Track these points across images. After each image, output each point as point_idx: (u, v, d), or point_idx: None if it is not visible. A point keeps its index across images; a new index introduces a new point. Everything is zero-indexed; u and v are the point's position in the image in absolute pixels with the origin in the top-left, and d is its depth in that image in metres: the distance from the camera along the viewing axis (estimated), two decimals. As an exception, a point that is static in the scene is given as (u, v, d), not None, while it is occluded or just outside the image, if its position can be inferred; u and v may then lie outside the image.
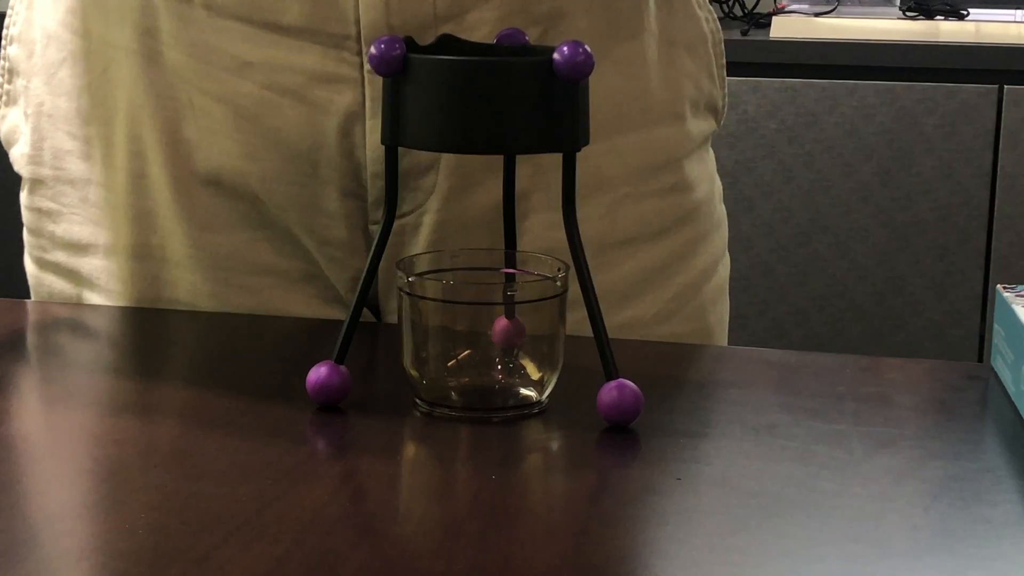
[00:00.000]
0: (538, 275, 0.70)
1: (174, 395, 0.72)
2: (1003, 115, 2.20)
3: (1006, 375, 0.73)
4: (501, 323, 0.68)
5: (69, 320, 0.84)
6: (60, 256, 0.88)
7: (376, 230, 0.83)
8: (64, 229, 0.87)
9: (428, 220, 0.83)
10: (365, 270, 0.68)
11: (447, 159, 0.82)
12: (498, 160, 0.73)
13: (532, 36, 0.81)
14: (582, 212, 0.83)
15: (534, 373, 0.69)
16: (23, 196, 0.89)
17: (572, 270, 0.67)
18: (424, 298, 0.67)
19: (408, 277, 0.68)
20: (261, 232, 0.83)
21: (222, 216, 0.83)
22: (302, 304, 0.85)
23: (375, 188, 0.82)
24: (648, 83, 0.86)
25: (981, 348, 2.25)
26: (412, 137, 0.66)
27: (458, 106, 0.65)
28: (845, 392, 0.72)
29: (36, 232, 0.89)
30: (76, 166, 0.85)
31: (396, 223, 0.83)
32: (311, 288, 0.85)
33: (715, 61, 0.92)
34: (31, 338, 0.82)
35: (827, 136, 2.24)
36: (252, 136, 0.81)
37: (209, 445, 0.64)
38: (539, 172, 0.83)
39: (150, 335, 0.83)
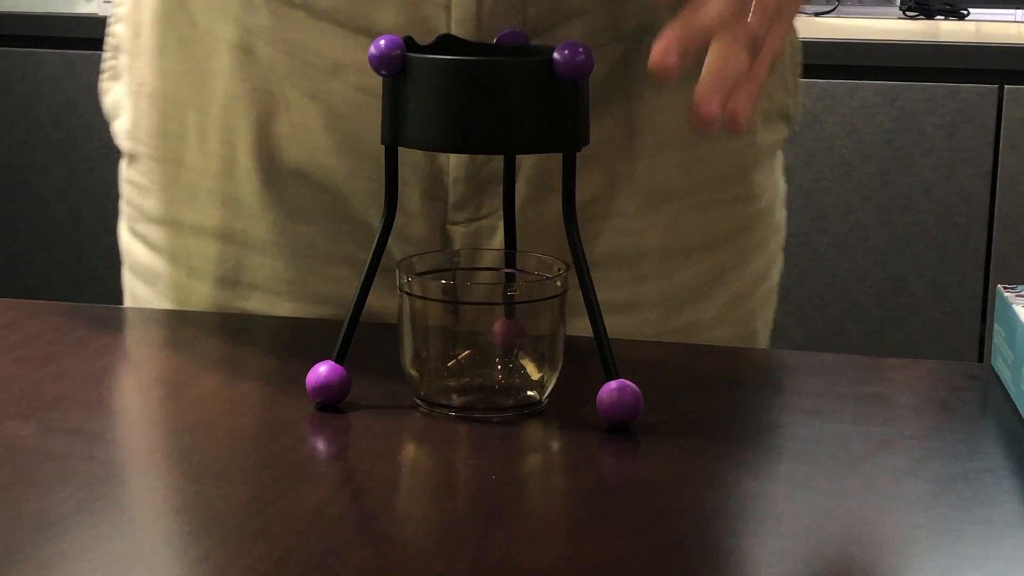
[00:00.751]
0: (538, 275, 0.70)
1: (174, 395, 0.72)
2: (1003, 115, 2.20)
3: (1006, 375, 0.73)
4: (501, 323, 0.68)
5: (72, 321, 0.84)
6: (148, 229, 0.91)
7: (455, 230, 0.85)
8: (153, 205, 0.90)
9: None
10: (365, 271, 0.69)
11: (527, 167, 0.83)
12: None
13: (617, 52, 0.82)
14: (648, 222, 0.86)
15: (534, 373, 0.69)
16: (122, 167, 0.93)
17: (573, 270, 0.67)
18: (424, 298, 0.67)
19: (408, 277, 0.68)
20: (343, 225, 0.86)
21: (307, 207, 0.86)
22: (375, 294, 0.87)
23: (456, 191, 0.84)
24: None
25: (981, 348, 2.24)
26: (412, 137, 0.66)
27: (458, 106, 0.65)
28: (845, 392, 0.72)
29: (130, 203, 0.93)
30: (170, 147, 0.88)
31: (472, 226, 0.85)
32: (385, 280, 0.87)
33: (790, 70, 0.92)
34: (33, 338, 0.82)
35: (827, 136, 2.24)
36: (341, 134, 0.84)
37: (209, 445, 0.64)
38: (611, 179, 0.84)
39: (149, 336, 0.84)
